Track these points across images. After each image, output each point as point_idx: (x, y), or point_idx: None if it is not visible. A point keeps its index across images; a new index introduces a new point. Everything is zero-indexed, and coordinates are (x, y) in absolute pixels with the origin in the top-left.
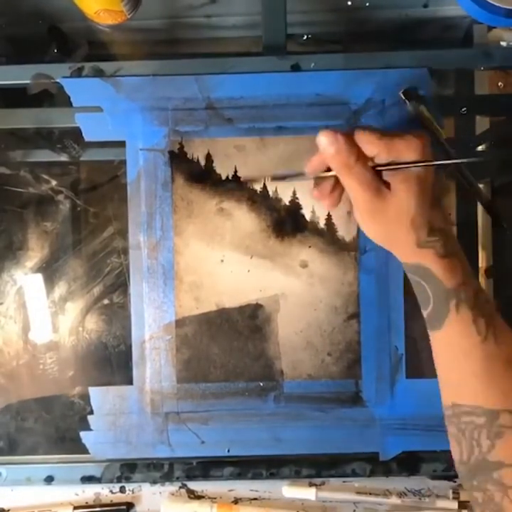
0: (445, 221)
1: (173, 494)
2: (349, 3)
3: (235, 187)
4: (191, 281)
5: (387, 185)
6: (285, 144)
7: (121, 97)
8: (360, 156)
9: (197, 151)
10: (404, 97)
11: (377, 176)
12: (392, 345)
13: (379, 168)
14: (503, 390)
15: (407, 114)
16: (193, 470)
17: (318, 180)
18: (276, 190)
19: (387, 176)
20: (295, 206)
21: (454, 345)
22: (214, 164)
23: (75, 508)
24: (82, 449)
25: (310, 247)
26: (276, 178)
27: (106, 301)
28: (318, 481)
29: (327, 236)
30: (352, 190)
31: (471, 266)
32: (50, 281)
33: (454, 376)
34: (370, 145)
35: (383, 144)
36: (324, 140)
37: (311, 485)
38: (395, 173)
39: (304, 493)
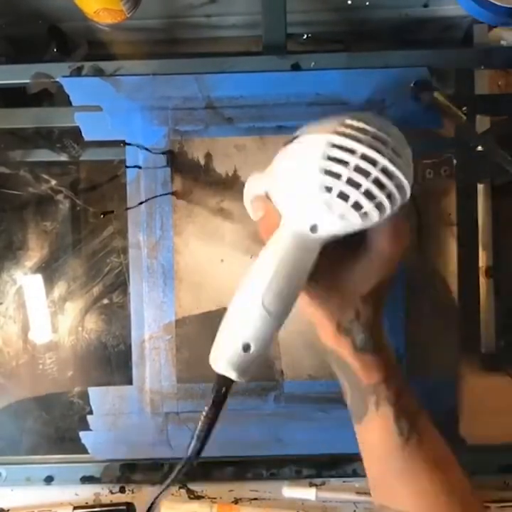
0: (375, 318)
1: (172, 494)
2: (349, 2)
3: (235, 186)
4: (191, 281)
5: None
6: None
7: (121, 97)
8: None
9: (197, 151)
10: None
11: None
12: (392, 345)
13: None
14: (418, 491)
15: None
16: (193, 470)
17: None
18: None
19: (372, 233)
20: None
21: (376, 443)
22: (214, 164)
23: (75, 508)
24: (82, 449)
25: None
26: None
27: (105, 301)
28: (318, 481)
29: None
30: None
31: (471, 266)
32: (49, 280)
33: (377, 474)
34: None
35: None
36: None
37: (311, 485)
38: (378, 236)
39: (303, 493)
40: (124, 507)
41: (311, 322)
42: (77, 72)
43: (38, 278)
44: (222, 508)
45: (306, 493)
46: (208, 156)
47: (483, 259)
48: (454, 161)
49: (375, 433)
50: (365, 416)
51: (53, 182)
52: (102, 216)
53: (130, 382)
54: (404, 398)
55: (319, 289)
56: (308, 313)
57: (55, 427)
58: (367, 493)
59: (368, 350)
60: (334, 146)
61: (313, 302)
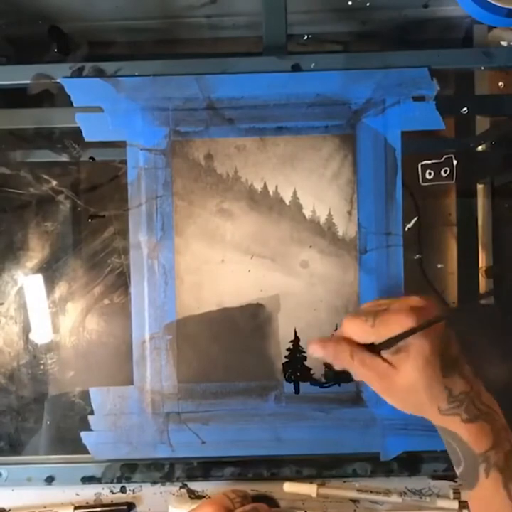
0: (466, 383)
1: (174, 494)
2: (349, 3)
3: (236, 187)
4: (192, 281)
5: (388, 361)
6: (285, 144)
7: (122, 97)
8: (356, 349)
9: (197, 151)
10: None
11: (379, 357)
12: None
13: (378, 348)
14: None
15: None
16: (194, 470)
17: None
18: (276, 190)
19: (388, 354)
20: (296, 206)
21: (486, 507)
22: (214, 164)
23: (76, 508)
24: (83, 449)
25: (310, 247)
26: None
27: (106, 301)
28: (318, 481)
29: (327, 236)
30: (359, 375)
31: (471, 266)
32: (50, 281)
33: None
34: (363, 336)
35: (375, 330)
36: (316, 354)
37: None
38: (396, 351)
39: (305, 489)
40: (124, 507)
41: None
42: (78, 73)
43: (39, 278)
44: None
45: (306, 489)
46: (209, 157)
47: (483, 259)
48: (454, 161)
49: (486, 497)
50: (476, 482)
51: (54, 182)
52: (89, 220)
53: (131, 382)
54: None
55: (402, 392)
56: (408, 411)
57: (56, 427)
58: (368, 491)
59: (474, 418)
60: None
61: (406, 402)
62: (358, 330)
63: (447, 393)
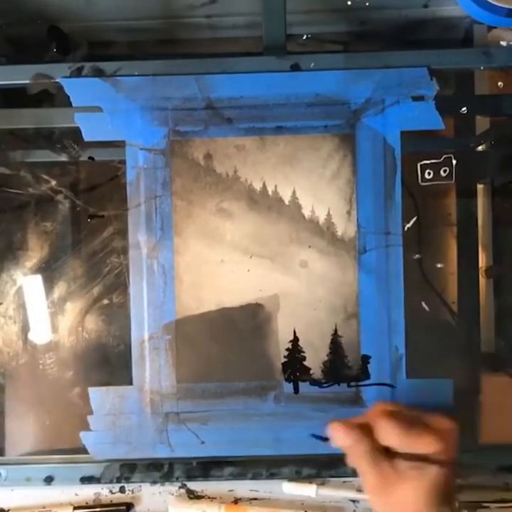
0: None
1: (173, 494)
2: (349, 3)
3: (235, 187)
4: (191, 281)
5: (397, 468)
6: (285, 144)
7: (121, 97)
8: (373, 445)
9: (197, 151)
10: None
11: (389, 460)
12: (392, 345)
13: (394, 453)
14: None
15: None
16: (193, 470)
17: None
18: (276, 189)
19: (399, 461)
20: (295, 206)
21: None
22: (214, 164)
23: (75, 508)
24: (82, 450)
25: (310, 247)
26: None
27: (105, 301)
28: (318, 481)
29: (327, 236)
30: (361, 470)
31: (471, 266)
32: (49, 281)
33: None
34: (391, 438)
35: (401, 440)
36: (337, 433)
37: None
38: (409, 464)
39: (304, 489)
40: (123, 507)
41: None
42: (77, 73)
43: (38, 278)
44: (230, 508)
45: (306, 489)
46: (208, 157)
47: (483, 259)
48: (454, 161)
49: None
50: None
51: (53, 182)
52: (88, 220)
53: (130, 382)
54: None
55: (395, 500)
56: None
57: (56, 427)
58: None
59: None
60: None
61: (393, 510)
62: (387, 432)
63: None
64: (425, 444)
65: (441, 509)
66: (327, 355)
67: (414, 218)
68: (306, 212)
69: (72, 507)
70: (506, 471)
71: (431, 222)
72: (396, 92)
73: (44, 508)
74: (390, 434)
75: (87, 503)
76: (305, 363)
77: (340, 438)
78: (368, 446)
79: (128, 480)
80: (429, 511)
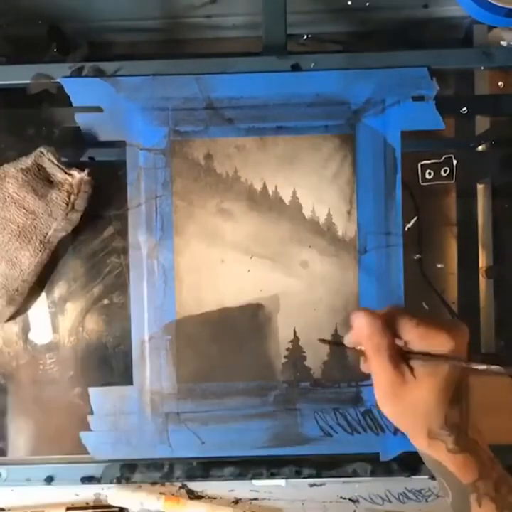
0: (461, 417)
1: (161, 493)
2: (349, 3)
3: (235, 187)
4: (191, 282)
5: (412, 369)
6: (285, 144)
7: (121, 97)
8: (392, 341)
9: (197, 151)
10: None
11: (404, 361)
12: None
13: (409, 354)
14: None
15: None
16: (193, 470)
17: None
18: (276, 189)
19: (414, 361)
20: (295, 206)
21: None
22: (214, 164)
23: (68, 509)
24: (82, 450)
25: (310, 247)
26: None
27: (106, 301)
28: (318, 481)
29: (327, 236)
30: (376, 370)
31: (471, 266)
32: (49, 281)
33: None
34: (406, 330)
35: (419, 332)
36: (361, 320)
37: (311, 485)
38: (423, 362)
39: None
40: (116, 509)
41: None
42: (78, 73)
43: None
44: (170, 500)
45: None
46: (208, 157)
47: (483, 259)
48: (454, 161)
49: None
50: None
51: None
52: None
53: (130, 382)
54: (503, 492)
55: (406, 401)
56: (397, 422)
57: (56, 427)
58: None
59: (460, 450)
60: None
61: (403, 413)
62: (403, 324)
63: (443, 420)
64: (440, 341)
65: (451, 410)
66: (327, 355)
67: (415, 218)
68: (307, 212)
69: (64, 507)
70: (506, 471)
71: (431, 222)
72: (396, 92)
73: (43, 509)
74: (408, 326)
75: (87, 503)
76: (305, 363)
77: (363, 326)
78: (390, 338)
79: (128, 480)
80: (439, 411)
